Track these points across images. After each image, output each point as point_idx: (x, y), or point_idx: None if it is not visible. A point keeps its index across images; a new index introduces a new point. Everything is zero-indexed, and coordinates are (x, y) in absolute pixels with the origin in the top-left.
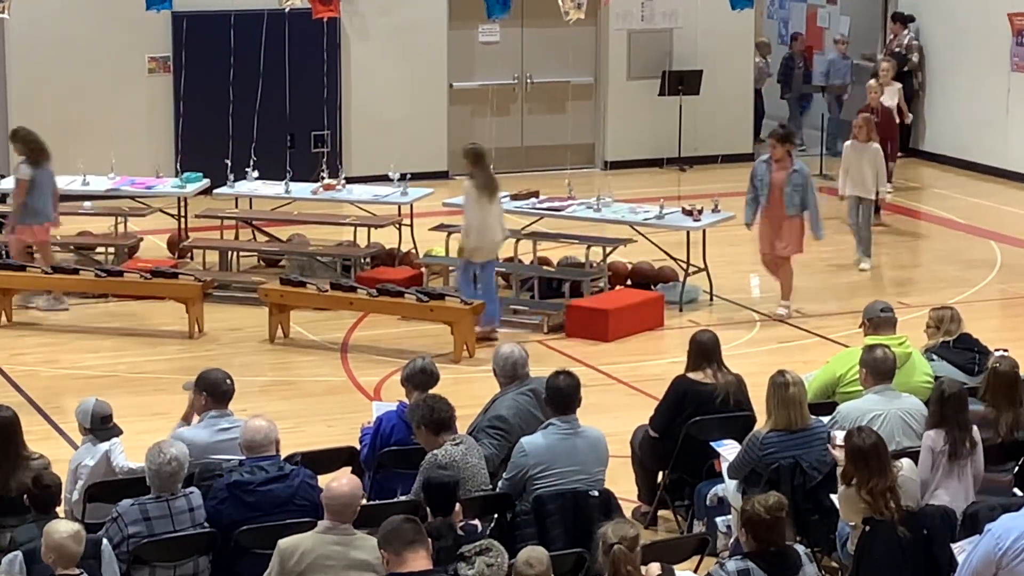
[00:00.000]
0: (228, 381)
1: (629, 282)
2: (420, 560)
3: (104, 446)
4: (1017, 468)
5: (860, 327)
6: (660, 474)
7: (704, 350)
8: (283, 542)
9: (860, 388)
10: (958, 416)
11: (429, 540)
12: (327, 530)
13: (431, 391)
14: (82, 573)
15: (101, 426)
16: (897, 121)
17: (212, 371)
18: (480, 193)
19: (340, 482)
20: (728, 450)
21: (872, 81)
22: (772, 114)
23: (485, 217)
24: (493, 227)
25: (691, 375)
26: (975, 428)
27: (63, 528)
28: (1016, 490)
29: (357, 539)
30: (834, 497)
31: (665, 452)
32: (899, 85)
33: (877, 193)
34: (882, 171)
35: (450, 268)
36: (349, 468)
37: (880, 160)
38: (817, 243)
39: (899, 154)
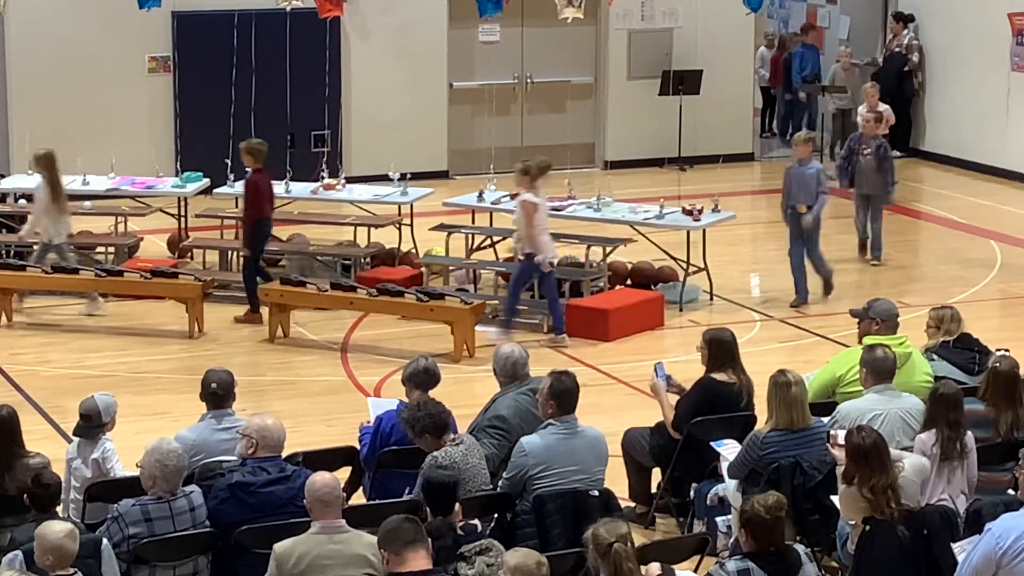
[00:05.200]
0: (225, 383)
1: (629, 282)
2: (420, 560)
3: (96, 453)
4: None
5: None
6: (663, 473)
7: (727, 350)
8: (279, 546)
9: (860, 388)
10: (949, 415)
11: (429, 540)
12: (321, 530)
13: (431, 392)
14: (76, 573)
15: (100, 422)
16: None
17: (212, 372)
18: None
19: (315, 477)
20: (728, 450)
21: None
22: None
23: None
24: None
25: (715, 376)
26: (969, 434)
27: (46, 531)
28: (1009, 491)
29: (352, 535)
30: (834, 498)
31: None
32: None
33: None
34: None
35: (450, 268)
36: (349, 468)
37: None
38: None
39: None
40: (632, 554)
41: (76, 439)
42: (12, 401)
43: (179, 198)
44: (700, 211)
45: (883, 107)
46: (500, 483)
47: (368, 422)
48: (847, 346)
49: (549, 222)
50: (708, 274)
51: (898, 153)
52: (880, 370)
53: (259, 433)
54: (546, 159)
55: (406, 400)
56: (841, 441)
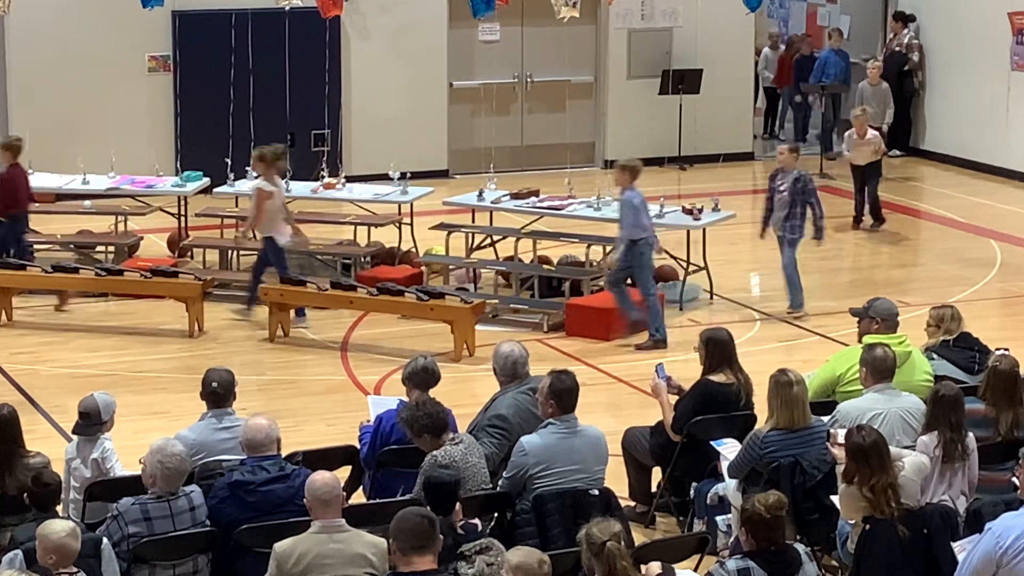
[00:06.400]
0: (226, 382)
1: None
2: (426, 561)
3: (95, 453)
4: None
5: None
6: (663, 472)
7: (724, 350)
8: (279, 546)
9: (860, 387)
10: (951, 417)
11: (440, 539)
12: (321, 529)
13: (430, 391)
14: (78, 572)
15: (99, 420)
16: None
17: (212, 371)
18: None
19: (315, 476)
20: (728, 449)
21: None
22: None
23: None
24: None
25: (713, 377)
26: (971, 435)
27: (48, 530)
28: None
29: (352, 535)
30: (834, 498)
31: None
32: None
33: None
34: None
35: (450, 267)
36: (349, 467)
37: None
38: (817, 243)
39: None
40: (626, 552)
41: (75, 439)
42: (12, 401)
43: (179, 197)
44: (700, 210)
45: (872, 134)
46: (500, 482)
47: (368, 421)
48: (847, 345)
49: (550, 222)
50: (708, 273)
51: (898, 152)
52: (880, 369)
53: (245, 435)
54: (281, 145)
55: (406, 399)
56: (841, 440)
